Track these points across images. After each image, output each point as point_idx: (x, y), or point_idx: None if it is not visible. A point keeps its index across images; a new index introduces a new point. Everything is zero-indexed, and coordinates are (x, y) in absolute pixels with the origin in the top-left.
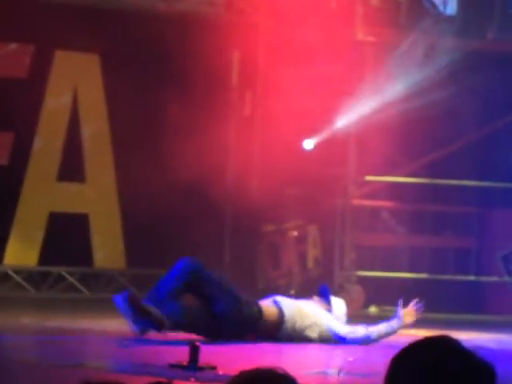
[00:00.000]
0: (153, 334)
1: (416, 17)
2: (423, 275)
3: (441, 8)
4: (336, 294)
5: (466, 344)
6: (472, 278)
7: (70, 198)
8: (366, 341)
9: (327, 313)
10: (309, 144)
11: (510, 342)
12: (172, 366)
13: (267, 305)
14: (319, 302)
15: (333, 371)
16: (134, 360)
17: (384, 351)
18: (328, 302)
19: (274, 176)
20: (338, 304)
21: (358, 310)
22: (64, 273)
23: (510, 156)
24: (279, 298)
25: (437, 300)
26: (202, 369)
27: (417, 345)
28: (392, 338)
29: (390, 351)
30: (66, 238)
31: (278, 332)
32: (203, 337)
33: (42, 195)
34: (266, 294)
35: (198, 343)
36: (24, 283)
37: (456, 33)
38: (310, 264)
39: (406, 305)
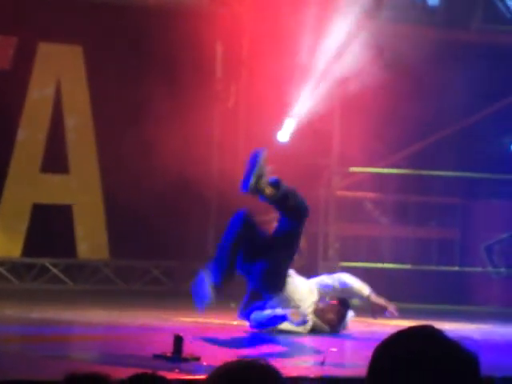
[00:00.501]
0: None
1: (398, 8)
2: (407, 266)
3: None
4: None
5: (449, 334)
6: (456, 268)
7: (53, 190)
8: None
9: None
10: (283, 136)
11: (493, 333)
12: (156, 356)
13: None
14: None
15: (316, 362)
16: (119, 351)
17: (367, 342)
18: None
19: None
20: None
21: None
22: (48, 264)
23: (492, 146)
24: None
25: (420, 291)
26: (186, 360)
27: (400, 335)
28: (375, 329)
29: (373, 342)
30: (50, 229)
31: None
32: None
33: (26, 187)
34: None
35: (181, 334)
36: (8, 274)
37: (439, 23)
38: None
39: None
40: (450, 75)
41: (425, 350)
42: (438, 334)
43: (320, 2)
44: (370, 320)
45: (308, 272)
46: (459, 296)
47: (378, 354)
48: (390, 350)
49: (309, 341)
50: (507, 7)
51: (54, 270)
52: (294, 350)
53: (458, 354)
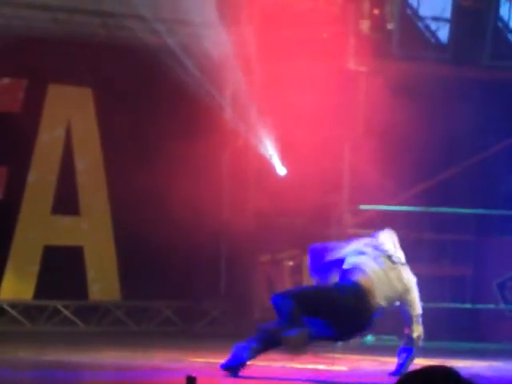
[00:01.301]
0: None
1: (408, 46)
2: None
3: (429, 37)
4: None
5: (463, 372)
6: (468, 305)
7: (64, 231)
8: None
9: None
10: (281, 170)
11: (506, 370)
12: None
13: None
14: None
15: None
16: None
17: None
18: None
19: (268, 206)
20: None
21: None
22: (59, 306)
23: (504, 183)
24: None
25: (434, 328)
26: None
27: (415, 375)
28: (389, 367)
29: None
30: (61, 271)
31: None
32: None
33: (37, 229)
34: (263, 323)
35: (194, 375)
36: (20, 317)
37: (449, 60)
38: None
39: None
40: (460, 112)
41: None
42: (454, 374)
43: (328, 41)
44: (384, 359)
45: None
46: (472, 333)
47: None
48: None
49: (323, 377)
50: (507, 45)
51: (66, 312)
52: None
53: None
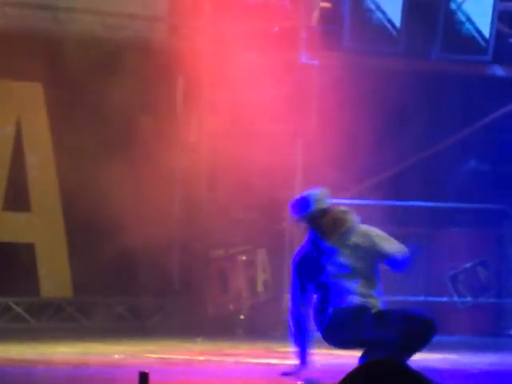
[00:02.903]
0: None
1: (359, 39)
2: None
3: (380, 30)
4: None
5: (415, 365)
6: (421, 298)
7: (15, 228)
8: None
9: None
10: None
11: (460, 363)
12: None
13: None
14: None
15: None
16: None
17: (334, 375)
18: None
19: (221, 201)
20: None
21: None
22: (11, 303)
23: (455, 176)
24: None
25: None
26: None
27: (363, 367)
28: (340, 361)
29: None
30: (13, 268)
31: None
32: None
33: None
34: (216, 318)
35: (147, 370)
36: None
37: (400, 53)
38: (259, 288)
39: None
40: (411, 105)
41: (387, 382)
42: (401, 366)
43: (280, 35)
44: (338, 352)
45: (273, 305)
46: None
47: None
48: (353, 383)
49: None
50: (461, 38)
51: (18, 309)
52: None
53: None
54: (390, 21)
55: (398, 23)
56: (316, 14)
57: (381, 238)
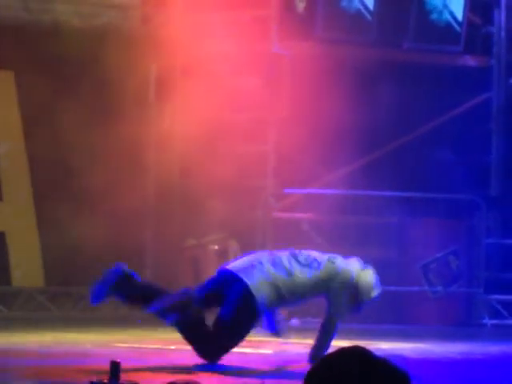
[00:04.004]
0: None
1: (332, 28)
2: None
3: (352, 19)
4: None
5: (385, 354)
6: (393, 288)
7: None
8: None
9: None
10: None
11: (430, 352)
12: (93, 383)
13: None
14: None
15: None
16: (55, 380)
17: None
18: None
19: (194, 190)
20: None
21: None
22: None
23: (426, 166)
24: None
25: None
26: None
27: (330, 356)
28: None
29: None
30: None
31: None
32: None
33: None
34: None
35: (118, 360)
36: None
37: (373, 43)
38: None
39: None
40: (384, 94)
41: (353, 371)
42: (367, 354)
43: (252, 24)
44: (309, 341)
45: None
46: (396, 315)
47: (309, 376)
48: (319, 373)
49: (249, 361)
50: (433, 28)
51: None
52: (232, 371)
53: (387, 373)
54: (362, 10)
55: (370, 13)
56: (290, 4)
57: None
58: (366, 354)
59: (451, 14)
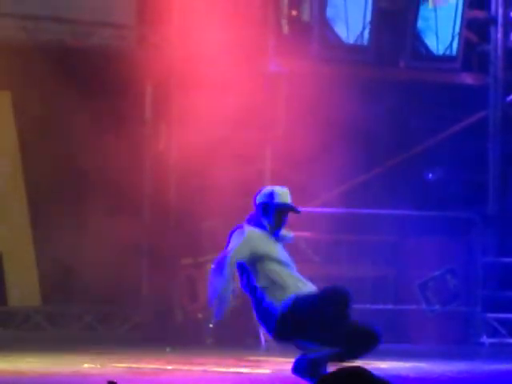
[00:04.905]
0: None
1: (328, 47)
2: None
3: (349, 39)
4: None
5: (384, 373)
6: (390, 306)
7: None
8: None
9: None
10: None
11: (429, 371)
12: None
13: None
14: None
15: None
16: None
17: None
18: None
19: (190, 209)
20: None
21: None
22: None
23: (423, 184)
24: None
25: None
26: None
27: (331, 376)
28: None
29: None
30: None
31: None
32: None
33: None
34: (185, 327)
35: (115, 380)
36: None
37: (369, 61)
38: None
39: None
40: (381, 113)
41: None
42: (367, 374)
43: (248, 43)
44: None
45: (242, 314)
46: (394, 334)
47: None
48: None
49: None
50: (430, 47)
51: None
52: None
53: None
54: (359, 29)
55: (367, 31)
56: (286, 23)
57: None
58: (366, 373)
59: (448, 32)
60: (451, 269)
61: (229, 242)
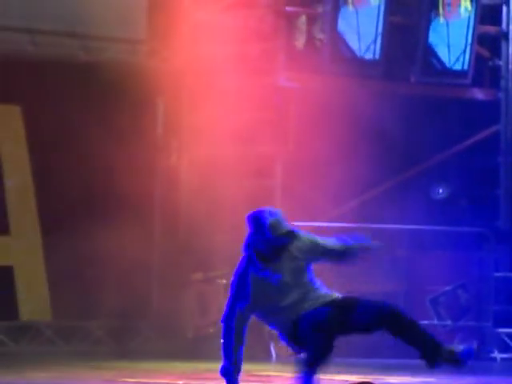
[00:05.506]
0: None
1: (339, 61)
2: None
3: (360, 53)
4: None
5: None
6: None
7: None
8: None
9: None
10: None
11: None
12: None
13: None
14: None
15: None
16: None
17: None
18: None
19: (201, 224)
20: None
21: None
22: None
23: (434, 199)
24: None
25: (366, 344)
26: None
27: None
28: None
29: None
30: None
31: None
32: None
33: None
34: (196, 342)
35: None
36: None
37: (380, 76)
38: None
39: None
40: (391, 128)
41: None
42: None
43: (259, 57)
44: (321, 376)
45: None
46: (405, 349)
47: None
48: None
49: None
50: (441, 61)
51: None
52: None
53: None
54: (369, 43)
55: (378, 45)
56: (297, 38)
57: None
58: None
59: (459, 46)
60: (463, 284)
61: None
